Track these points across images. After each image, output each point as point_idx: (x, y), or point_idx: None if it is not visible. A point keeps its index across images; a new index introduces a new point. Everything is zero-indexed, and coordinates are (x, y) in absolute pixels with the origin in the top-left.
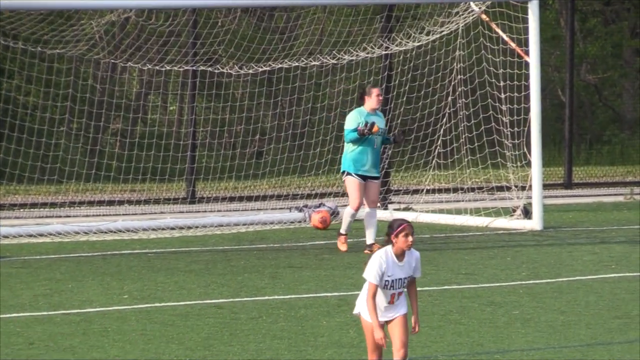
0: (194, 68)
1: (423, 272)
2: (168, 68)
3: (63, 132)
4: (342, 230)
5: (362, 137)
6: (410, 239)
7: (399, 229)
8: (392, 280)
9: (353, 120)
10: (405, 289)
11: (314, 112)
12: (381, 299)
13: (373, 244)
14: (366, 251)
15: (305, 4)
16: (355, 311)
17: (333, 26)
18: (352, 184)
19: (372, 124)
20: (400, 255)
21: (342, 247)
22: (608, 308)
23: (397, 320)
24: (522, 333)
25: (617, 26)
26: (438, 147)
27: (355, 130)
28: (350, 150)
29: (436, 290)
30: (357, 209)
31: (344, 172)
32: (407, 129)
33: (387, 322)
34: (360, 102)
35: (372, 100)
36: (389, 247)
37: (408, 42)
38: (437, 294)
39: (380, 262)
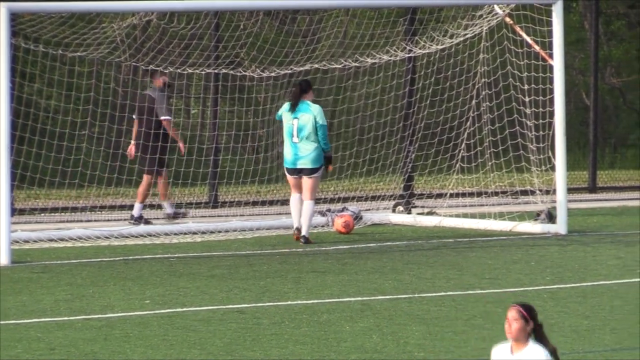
0: (216, 71)
1: (446, 277)
2: (190, 71)
3: (84, 135)
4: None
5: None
6: (507, 323)
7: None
8: None
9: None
10: None
11: (334, 116)
12: None
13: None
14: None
15: (328, 7)
16: None
17: (356, 29)
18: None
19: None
20: (515, 345)
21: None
22: (633, 313)
23: None
24: None
25: None
26: (462, 151)
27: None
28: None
29: (460, 295)
30: None
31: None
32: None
33: None
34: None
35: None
36: None
37: (431, 45)
38: (460, 299)
39: (493, 351)
